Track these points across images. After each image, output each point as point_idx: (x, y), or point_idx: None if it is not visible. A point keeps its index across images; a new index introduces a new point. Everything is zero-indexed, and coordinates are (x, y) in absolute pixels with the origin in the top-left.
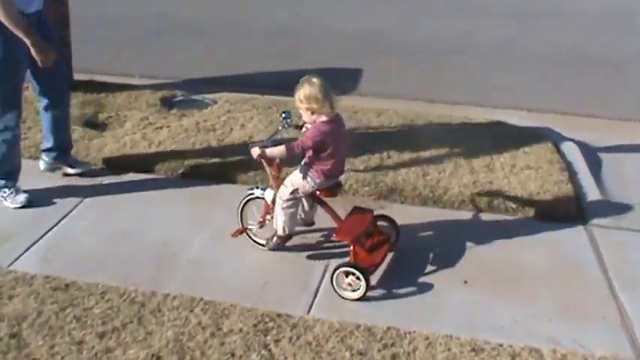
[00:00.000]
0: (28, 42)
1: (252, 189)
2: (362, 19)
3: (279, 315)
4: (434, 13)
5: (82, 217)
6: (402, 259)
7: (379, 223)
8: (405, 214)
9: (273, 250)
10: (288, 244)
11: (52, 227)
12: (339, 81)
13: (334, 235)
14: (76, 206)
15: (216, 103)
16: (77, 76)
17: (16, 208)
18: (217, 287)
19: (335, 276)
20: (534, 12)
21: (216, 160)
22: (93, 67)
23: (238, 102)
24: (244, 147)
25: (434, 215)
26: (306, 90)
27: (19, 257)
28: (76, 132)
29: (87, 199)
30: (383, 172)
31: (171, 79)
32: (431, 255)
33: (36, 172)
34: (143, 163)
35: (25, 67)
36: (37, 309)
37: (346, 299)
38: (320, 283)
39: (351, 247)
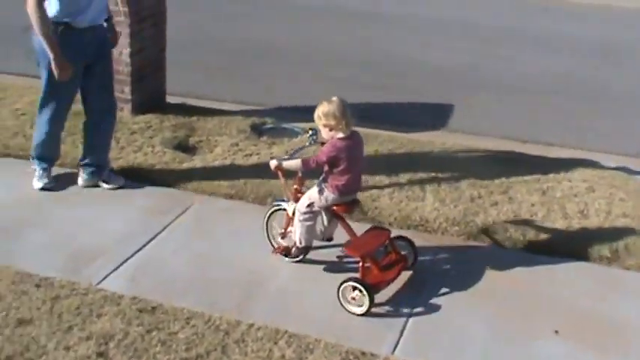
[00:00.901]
0: (50, 54)
1: (278, 201)
2: (456, 54)
3: (363, 353)
4: (530, 51)
5: (171, 239)
6: (491, 304)
7: (398, 243)
8: (494, 257)
9: (293, 260)
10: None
11: (142, 247)
12: (429, 115)
13: (344, 248)
14: (165, 227)
15: (306, 132)
16: (170, 99)
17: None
18: (302, 319)
19: (341, 289)
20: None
21: (305, 191)
22: (184, 90)
23: None
24: None
25: (525, 260)
26: (324, 107)
27: (108, 275)
28: (167, 155)
29: (176, 222)
30: (473, 211)
31: (260, 106)
32: (521, 302)
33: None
34: (232, 189)
35: (77, 82)
36: (124, 330)
37: (351, 313)
38: (406, 322)
39: (360, 263)
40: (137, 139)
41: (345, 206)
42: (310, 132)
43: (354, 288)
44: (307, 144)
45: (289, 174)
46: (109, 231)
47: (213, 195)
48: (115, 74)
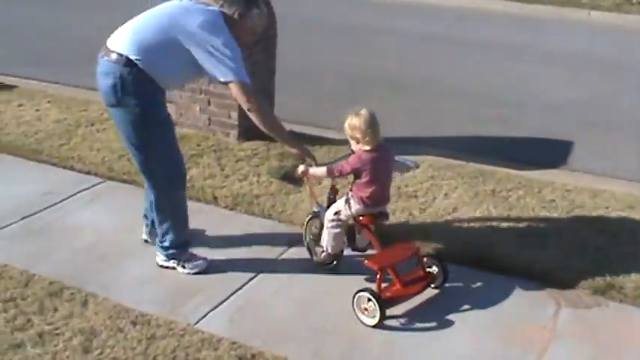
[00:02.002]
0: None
1: (315, 207)
2: (578, 88)
3: None
4: None
5: (273, 279)
6: None
7: (427, 260)
8: (623, 315)
9: (321, 264)
10: None
11: (242, 286)
12: (548, 152)
13: (365, 260)
14: (267, 265)
15: (418, 166)
16: None
17: (194, 273)
18: None
19: (356, 298)
20: None
21: (418, 231)
22: (291, 116)
23: (442, 168)
24: (448, 219)
25: None
26: (352, 120)
27: (206, 314)
28: (273, 185)
29: (280, 259)
30: (600, 264)
31: None
32: None
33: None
34: None
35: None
36: None
37: (362, 323)
38: None
39: (378, 275)
40: (243, 167)
41: (371, 218)
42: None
43: (369, 299)
44: (346, 154)
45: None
46: (210, 265)
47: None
48: (223, 99)
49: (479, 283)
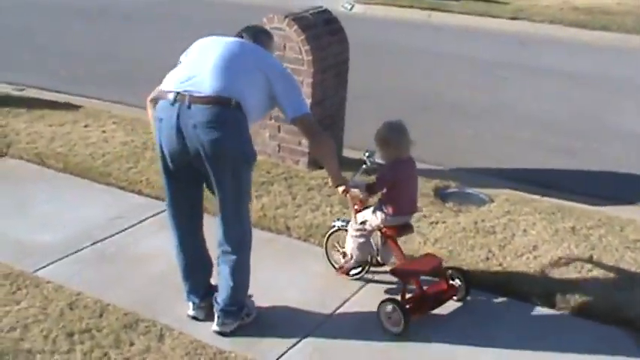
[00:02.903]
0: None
1: (334, 221)
2: None
3: None
4: None
5: (351, 317)
6: None
7: (450, 273)
8: None
9: (345, 274)
10: None
11: (320, 325)
12: (627, 187)
13: (390, 271)
14: (344, 301)
15: (492, 201)
16: (346, 152)
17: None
18: None
19: (381, 307)
20: None
21: (498, 269)
22: (358, 143)
23: (518, 203)
24: (529, 257)
25: None
26: (381, 131)
27: (284, 353)
28: (346, 216)
29: (357, 296)
30: None
31: (438, 165)
32: None
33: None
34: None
35: None
36: None
37: (387, 331)
38: None
39: (403, 286)
40: (314, 197)
41: (396, 229)
42: (367, 154)
43: (393, 309)
44: (364, 166)
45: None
46: (285, 299)
47: None
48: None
49: (562, 327)
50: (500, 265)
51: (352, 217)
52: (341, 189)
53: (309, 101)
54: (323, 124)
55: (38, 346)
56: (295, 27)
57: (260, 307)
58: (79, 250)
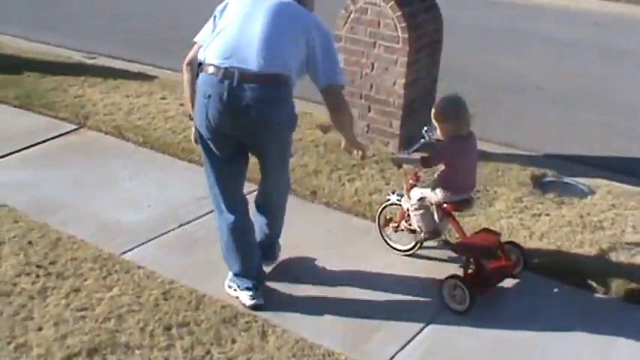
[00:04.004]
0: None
1: (389, 194)
2: None
3: None
4: None
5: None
6: None
7: (508, 247)
8: None
9: (403, 250)
10: None
11: (427, 323)
12: None
13: (451, 247)
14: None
15: (594, 192)
16: None
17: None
18: None
19: (444, 285)
20: None
21: (613, 267)
22: None
23: (622, 195)
24: None
25: None
26: (439, 107)
27: (395, 356)
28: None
29: None
30: None
31: (531, 152)
32: None
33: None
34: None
35: None
36: None
37: (452, 310)
38: None
39: (466, 263)
40: None
41: (455, 205)
42: (425, 128)
43: (456, 286)
44: (422, 139)
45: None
46: (389, 298)
47: None
48: (385, 105)
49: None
50: (614, 263)
51: (405, 191)
52: (395, 163)
53: (402, 81)
54: (413, 105)
55: (136, 340)
56: (392, 2)
57: (362, 302)
58: (165, 233)
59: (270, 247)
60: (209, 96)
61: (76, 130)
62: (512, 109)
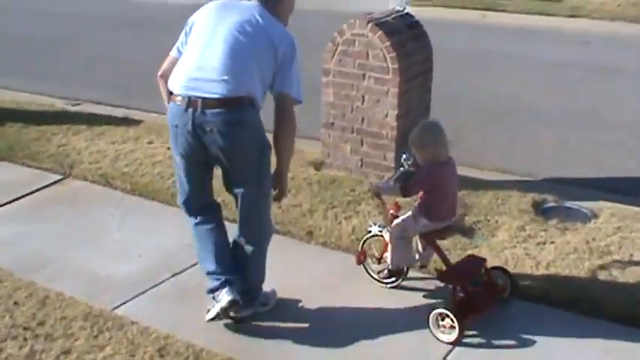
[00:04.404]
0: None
1: (370, 226)
2: None
3: None
4: None
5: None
6: None
7: (494, 273)
8: None
9: (385, 283)
10: None
11: None
12: None
13: (438, 276)
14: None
15: (597, 216)
16: None
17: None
18: None
19: (431, 316)
20: None
21: (624, 295)
22: None
23: (626, 217)
24: None
25: None
26: (417, 134)
27: None
28: (444, 242)
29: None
30: None
31: (528, 177)
32: None
33: None
34: (535, 288)
35: None
36: None
37: (440, 341)
38: None
39: (454, 292)
40: None
41: (438, 233)
42: (404, 156)
43: (444, 316)
44: (401, 168)
45: (389, 200)
46: (395, 340)
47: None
48: (378, 139)
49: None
50: (627, 290)
51: (386, 221)
52: (372, 191)
53: (394, 112)
54: (407, 136)
55: None
56: (380, 33)
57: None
58: (158, 284)
59: (246, 293)
60: (176, 126)
61: (61, 180)
62: (505, 133)
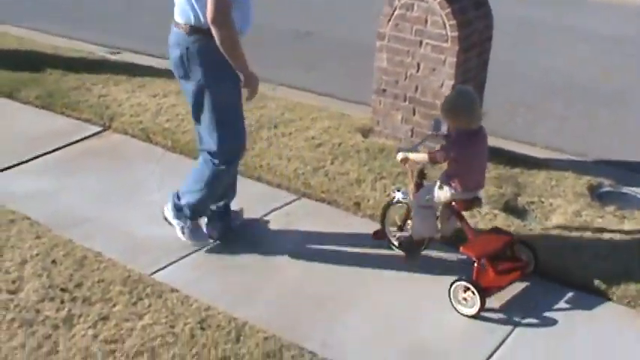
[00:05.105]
0: (243, 73)
1: (393, 192)
2: None
3: None
4: None
5: (531, 335)
6: None
7: (519, 247)
8: None
9: (404, 251)
10: None
11: (498, 346)
12: None
13: (461, 247)
14: (514, 329)
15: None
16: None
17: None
18: None
19: (452, 288)
20: None
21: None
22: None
23: None
24: None
25: None
26: (451, 99)
27: None
28: (498, 219)
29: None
30: None
31: (582, 157)
32: None
33: None
34: (593, 280)
35: None
36: None
37: (460, 314)
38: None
39: (475, 264)
40: None
41: (465, 203)
42: (433, 122)
43: (466, 289)
44: (430, 133)
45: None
46: (445, 325)
47: (561, 285)
48: (430, 109)
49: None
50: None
51: (410, 189)
52: (400, 156)
53: (450, 83)
54: None
55: None
56: None
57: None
58: (197, 250)
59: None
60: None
61: (100, 132)
62: (558, 111)
